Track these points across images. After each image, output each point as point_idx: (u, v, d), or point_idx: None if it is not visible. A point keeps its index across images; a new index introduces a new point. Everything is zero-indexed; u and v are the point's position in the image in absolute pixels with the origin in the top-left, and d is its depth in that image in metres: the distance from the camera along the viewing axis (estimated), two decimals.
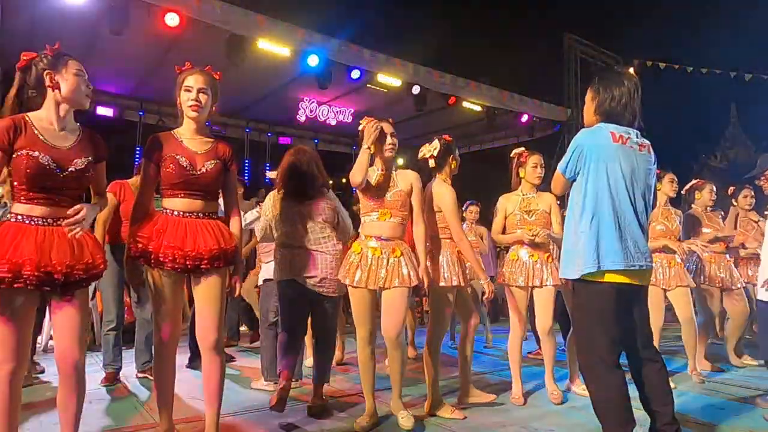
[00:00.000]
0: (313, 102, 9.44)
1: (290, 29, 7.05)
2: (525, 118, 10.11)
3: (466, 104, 9.29)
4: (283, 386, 2.93)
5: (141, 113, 9.24)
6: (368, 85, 8.24)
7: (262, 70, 7.48)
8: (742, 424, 2.92)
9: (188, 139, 2.34)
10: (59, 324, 1.98)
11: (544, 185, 3.52)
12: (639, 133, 2.30)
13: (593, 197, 2.19)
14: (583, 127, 2.34)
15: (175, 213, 2.26)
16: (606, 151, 2.19)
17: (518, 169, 3.57)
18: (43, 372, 3.97)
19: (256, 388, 3.59)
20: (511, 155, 3.64)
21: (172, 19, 5.99)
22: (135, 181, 3.86)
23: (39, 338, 4.91)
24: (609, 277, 2.15)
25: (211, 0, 6.30)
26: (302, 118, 9.76)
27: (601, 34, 17.61)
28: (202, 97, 2.32)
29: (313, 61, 7.27)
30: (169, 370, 2.34)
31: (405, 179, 2.92)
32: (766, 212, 4.56)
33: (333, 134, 11.42)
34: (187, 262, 2.18)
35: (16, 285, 1.82)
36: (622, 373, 2.16)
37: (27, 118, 1.95)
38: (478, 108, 9.49)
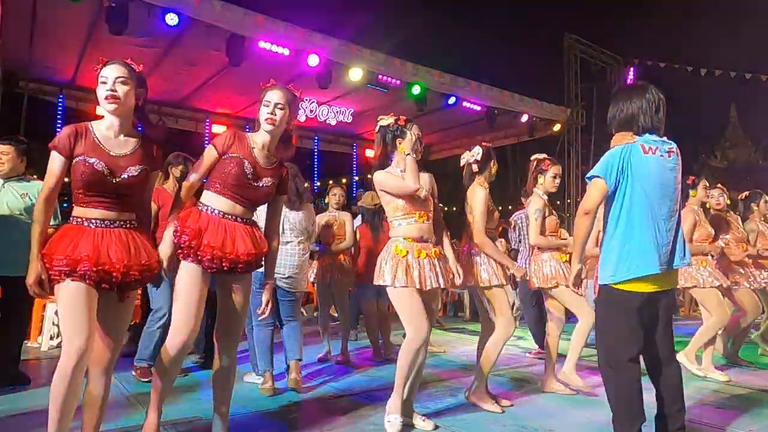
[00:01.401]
0: (313, 102, 9.43)
1: (290, 29, 7.04)
2: (525, 118, 10.09)
3: (466, 104, 9.29)
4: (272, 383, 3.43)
5: None
6: (368, 85, 8.23)
7: (262, 70, 7.47)
8: (742, 424, 2.93)
9: (258, 149, 2.37)
10: (105, 323, 2.03)
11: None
12: (665, 138, 2.35)
13: (628, 207, 2.26)
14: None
15: (216, 212, 2.27)
16: (639, 162, 2.26)
17: (537, 174, 3.63)
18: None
19: (249, 381, 3.70)
20: (532, 159, 3.70)
21: (172, 19, 6.00)
22: (170, 185, 4.01)
23: (39, 338, 4.92)
24: (637, 286, 2.23)
25: (211, 0, 6.30)
26: (302, 118, 9.75)
27: (601, 34, 17.63)
28: (278, 112, 2.34)
29: (313, 61, 7.27)
30: (176, 372, 2.34)
31: (424, 180, 2.89)
32: None
33: (333, 134, 11.42)
34: (224, 264, 2.20)
35: (73, 279, 1.90)
36: (638, 368, 2.24)
37: (90, 126, 2.05)
38: (478, 108, 9.50)
